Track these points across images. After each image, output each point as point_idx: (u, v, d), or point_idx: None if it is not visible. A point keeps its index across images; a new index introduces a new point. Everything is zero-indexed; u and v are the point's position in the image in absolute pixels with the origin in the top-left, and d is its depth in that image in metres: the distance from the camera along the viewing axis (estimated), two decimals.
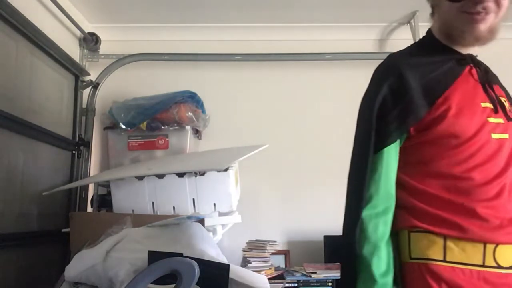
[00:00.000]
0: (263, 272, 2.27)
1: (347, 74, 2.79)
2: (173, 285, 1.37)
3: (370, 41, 2.93)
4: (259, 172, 2.73)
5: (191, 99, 2.65)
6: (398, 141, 1.08)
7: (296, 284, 2.35)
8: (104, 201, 2.38)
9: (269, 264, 2.40)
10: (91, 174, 2.81)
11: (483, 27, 1.08)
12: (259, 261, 2.37)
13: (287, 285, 2.34)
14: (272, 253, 2.46)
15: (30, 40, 2.22)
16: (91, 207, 2.49)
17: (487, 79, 1.15)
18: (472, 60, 1.16)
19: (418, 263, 1.04)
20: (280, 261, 2.63)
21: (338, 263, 2.42)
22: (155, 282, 1.42)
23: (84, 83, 2.81)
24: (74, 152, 2.72)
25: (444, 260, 1.02)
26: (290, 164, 2.83)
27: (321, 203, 2.77)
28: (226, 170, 2.12)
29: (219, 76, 2.94)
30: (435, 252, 1.02)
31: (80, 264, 1.75)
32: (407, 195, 1.08)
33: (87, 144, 2.79)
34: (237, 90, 2.93)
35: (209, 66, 2.94)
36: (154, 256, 1.58)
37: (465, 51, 1.16)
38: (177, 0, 2.67)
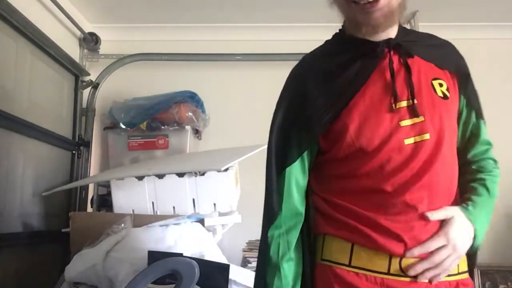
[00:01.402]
0: None
1: None
2: (173, 285, 1.37)
3: None
4: (259, 172, 2.71)
5: (191, 99, 2.65)
6: (301, 159, 1.06)
7: None
8: (104, 201, 2.38)
9: None
10: (91, 174, 2.80)
11: (377, 14, 0.96)
12: None
13: None
14: None
15: (30, 40, 2.22)
16: (91, 207, 2.49)
17: (408, 65, 1.02)
18: (390, 45, 1.03)
19: (326, 265, 1.04)
20: None
21: None
22: (155, 282, 1.42)
23: (84, 83, 2.80)
24: (74, 152, 2.72)
25: (349, 265, 1.00)
26: None
27: None
28: (226, 170, 2.12)
29: (219, 76, 2.94)
30: (342, 257, 1.01)
31: (80, 264, 1.76)
32: (325, 204, 1.06)
33: (87, 144, 2.79)
34: (237, 90, 2.93)
35: (209, 66, 2.94)
36: (154, 256, 1.58)
37: (380, 37, 1.03)
38: (177, 0, 2.66)
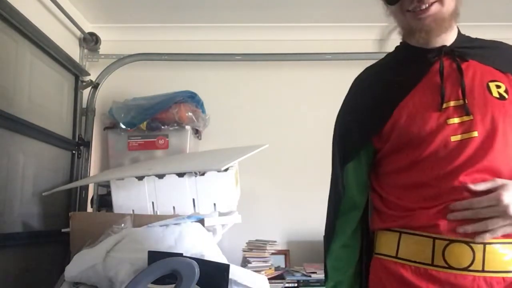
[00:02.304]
0: (263, 272, 2.27)
1: (347, 74, 2.78)
2: (173, 285, 1.37)
3: (370, 41, 2.92)
4: (259, 172, 2.73)
5: (191, 99, 2.65)
6: (359, 158, 1.18)
7: (296, 284, 2.35)
8: (104, 201, 2.38)
9: (269, 264, 2.40)
10: (91, 174, 2.80)
11: (428, 20, 1.06)
12: (259, 261, 2.37)
13: (287, 285, 2.34)
14: (272, 253, 2.46)
15: (30, 40, 2.22)
16: (91, 207, 2.49)
17: (461, 68, 1.08)
18: (442, 51, 1.10)
19: (377, 258, 1.14)
20: (280, 261, 2.63)
21: None
22: (155, 282, 1.42)
23: (84, 83, 2.80)
24: (74, 152, 2.72)
25: (396, 256, 1.07)
26: (290, 164, 2.83)
27: (321, 203, 2.75)
28: (226, 170, 2.12)
29: (219, 76, 2.94)
30: (389, 249, 1.09)
31: (80, 264, 1.75)
32: (379, 201, 1.16)
33: (87, 144, 2.79)
34: (237, 90, 2.93)
35: (209, 66, 2.94)
36: (154, 256, 1.58)
37: (435, 43, 1.12)
38: (177, 0, 2.67)
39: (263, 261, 2.38)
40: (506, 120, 1.04)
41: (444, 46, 1.11)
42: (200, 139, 2.79)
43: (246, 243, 2.45)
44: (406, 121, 1.08)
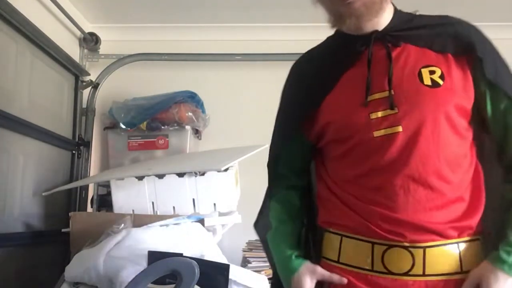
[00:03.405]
0: (263, 272, 2.27)
1: None
2: (173, 285, 1.37)
3: None
4: (259, 172, 2.71)
5: (191, 99, 2.65)
6: (291, 146, 1.15)
7: None
8: (104, 201, 2.38)
9: (269, 264, 2.40)
10: (91, 174, 2.80)
11: (357, 4, 0.95)
12: (259, 261, 2.37)
13: None
14: None
15: (30, 40, 2.22)
16: (91, 207, 2.49)
17: (390, 56, 0.98)
18: (373, 38, 1.00)
19: (324, 262, 1.06)
20: None
21: None
22: (155, 282, 1.42)
23: (84, 83, 2.80)
24: (74, 152, 2.72)
25: (338, 261, 1.01)
26: None
27: None
28: (226, 170, 2.12)
29: (219, 76, 2.93)
30: (332, 253, 1.03)
31: (80, 264, 1.76)
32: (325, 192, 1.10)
33: (87, 144, 2.79)
34: (237, 90, 2.93)
35: (209, 66, 2.94)
36: (154, 256, 1.58)
37: (366, 29, 1.00)
38: (177, 0, 2.66)
39: (263, 261, 2.38)
40: (439, 109, 0.94)
41: (375, 31, 1.00)
42: (200, 139, 2.79)
43: (246, 243, 2.45)
44: (331, 115, 1.01)
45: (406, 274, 0.93)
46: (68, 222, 2.10)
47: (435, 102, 0.94)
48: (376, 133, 0.96)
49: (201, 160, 2.37)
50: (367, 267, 0.96)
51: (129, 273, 1.62)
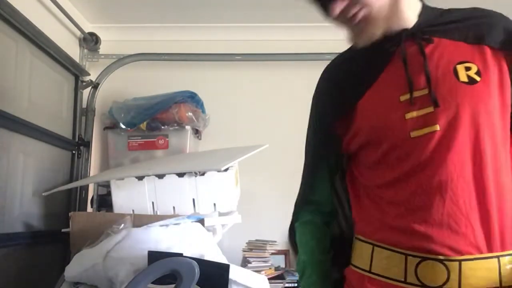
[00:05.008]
0: (263, 272, 2.27)
1: None
2: (173, 285, 1.37)
3: None
4: (259, 172, 2.73)
5: (191, 99, 2.65)
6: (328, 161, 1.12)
7: (296, 284, 2.35)
8: (104, 201, 2.38)
9: (269, 264, 2.40)
10: (91, 174, 2.81)
11: (361, 24, 0.95)
12: (259, 261, 2.37)
13: (287, 285, 2.34)
14: (272, 253, 2.46)
15: (30, 40, 2.22)
16: (91, 207, 2.49)
17: (424, 53, 0.94)
18: (403, 36, 0.96)
19: (352, 269, 1.03)
20: (280, 261, 2.63)
21: None
22: (155, 282, 1.42)
23: (84, 83, 2.81)
24: (74, 152, 2.72)
25: (369, 271, 0.97)
26: (290, 164, 2.82)
27: None
28: (226, 170, 2.12)
29: (219, 76, 2.94)
30: (363, 261, 0.99)
31: (80, 264, 1.76)
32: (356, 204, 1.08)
33: (87, 144, 2.79)
34: (237, 90, 2.93)
35: (209, 66, 2.94)
36: (154, 256, 1.58)
37: (393, 29, 0.96)
38: (177, 0, 2.67)
39: (263, 261, 2.38)
40: (479, 107, 0.90)
41: (405, 30, 0.96)
42: (200, 139, 2.79)
43: (246, 243, 2.45)
44: (365, 118, 0.98)
45: (441, 287, 0.89)
46: (68, 222, 2.10)
47: (474, 99, 0.90)
48: (413, 134, 0.92)
49: (201, 160, 2.37)
50: (400, 279, 0.92)
51: (129, 273, 1.62)
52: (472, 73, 0.91)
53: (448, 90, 0.91)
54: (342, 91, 1.04)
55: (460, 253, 0.87)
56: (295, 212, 1.21)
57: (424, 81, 0.92)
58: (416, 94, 0.93)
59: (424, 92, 0.92)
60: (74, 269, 1.76)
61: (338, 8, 0.94)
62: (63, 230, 2.19)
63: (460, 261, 0.87)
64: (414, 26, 0.97)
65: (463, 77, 0.91)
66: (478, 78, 0.91)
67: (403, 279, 0.91)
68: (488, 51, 0.93)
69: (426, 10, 1.00)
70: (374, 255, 0.97)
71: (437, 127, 0.90)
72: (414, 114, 0.92)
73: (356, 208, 1.06)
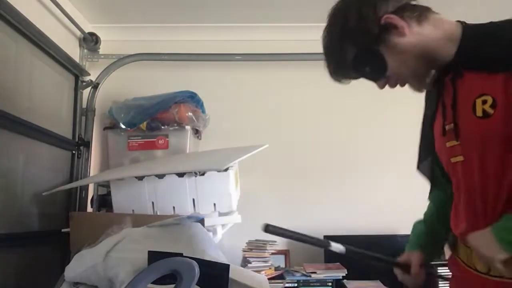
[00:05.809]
0: (263, 272, 2.27)
1: None
2: (173, 285, 1.37)
3: None
4: (259, 172, 2.73)
5: (191, 99, 2.65)
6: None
7: (296, 284, 2.35)
8: (104, 201, 2.38)
9: (269, 264, 2.40)
10: (91, 174, 2.80)
11: (412, 83, 1.11)
12: (259, 261, 2.37)
13: (287, 285, 2.34)
14: (272, 253, 2.46)
15: (30, 40, 2.22)
16: (91, 207, 2.48)
17: (456, 90, 1.04)
18: (444, 71, 1.06)
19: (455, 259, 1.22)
20: (280, 261, 2.63)
21: (338, 263, 2.43)
22: (155, 282, 1.42)
23: (84, 83, 2.81)
24: (74, 152, 2.72)
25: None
26: (290, 164, 2.83)
27: (321, 203, 2.77)
28: (226, 170, 2.12)
29: (219, 76, 2.94)
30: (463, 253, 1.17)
31: (80, 264, 1.75)
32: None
33: (87, 144, 2.79)
34: (237, 90, 2.93)
35: (209, 66, 2.94)
36: (154, 256, 1.58)
37: (441, 63, 1.06)
38: (177, 0, 2.67)
39: (263, 261, 2.38)
40: (489, 141, 0.96)
41: (447, 65, 1.05)
42: (200, 139, 2.79)
43: (246, 243, 2.45)
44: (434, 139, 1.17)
45: (487, 273, 1.04)
46: (68, 222, 2.10)
47: (484, 134, 0.97)
48: (453, 159, 1.08)
49: (201, 160, 2.37)
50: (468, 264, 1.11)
51: (129, 273, 1.62)
52: (487, 106, 0.96)
53: (467, 125, 1.01)
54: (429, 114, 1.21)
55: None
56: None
57: (451, 116, 1.05)
58: (448, 127, 1.07)
59: (452, 126, 1.05)
60: (74, 269, 1.75)
61: (381, 85, 1.12)
62: (63, 230, 2.19)
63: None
64: (450, 62, 1.04)
65: (479, 111, 0.98)
66: (491, 112, 0.95)
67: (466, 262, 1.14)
68: (505, 77, 0.94)
69: (465, 36, 1.02)
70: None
71: (461, 158, 1.05)
72: (448, 144, 1.08)
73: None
